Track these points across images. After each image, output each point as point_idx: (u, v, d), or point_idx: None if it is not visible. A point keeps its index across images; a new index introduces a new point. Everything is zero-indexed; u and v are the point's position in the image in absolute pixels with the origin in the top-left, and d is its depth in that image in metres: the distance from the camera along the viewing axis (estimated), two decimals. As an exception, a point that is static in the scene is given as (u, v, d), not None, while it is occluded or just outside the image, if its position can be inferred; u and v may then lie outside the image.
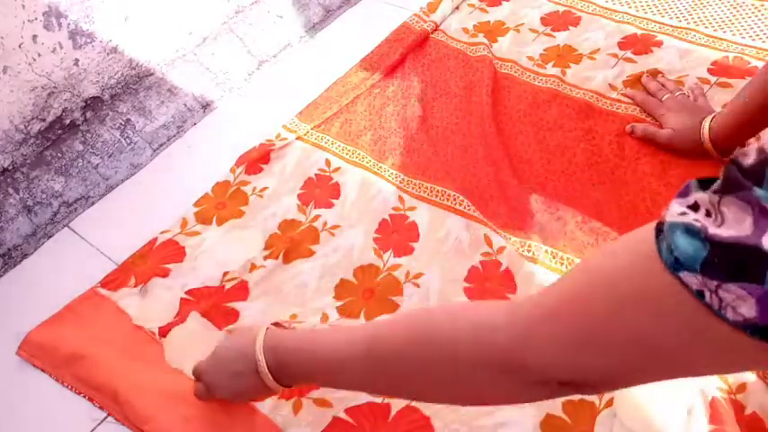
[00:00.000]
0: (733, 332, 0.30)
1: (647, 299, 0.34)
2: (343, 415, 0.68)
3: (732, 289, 0.29)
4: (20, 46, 0.84)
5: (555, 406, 0.66)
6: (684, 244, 0.31)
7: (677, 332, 0.33)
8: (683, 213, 0.32)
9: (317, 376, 0.58)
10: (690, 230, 0.31)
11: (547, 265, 0.77)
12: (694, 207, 0.32)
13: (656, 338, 0.34)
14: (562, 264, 0.77)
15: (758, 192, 0.29)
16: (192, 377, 0.68)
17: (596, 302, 0.37)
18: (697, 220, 0.31)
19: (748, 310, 0.29)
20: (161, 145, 1.02)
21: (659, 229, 0.34)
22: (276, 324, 0.69)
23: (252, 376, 0.60)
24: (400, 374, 0.50)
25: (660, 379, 0.38)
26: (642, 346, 0.35)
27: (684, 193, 0.33)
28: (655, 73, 0.98)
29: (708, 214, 0.31)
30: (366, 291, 0.79)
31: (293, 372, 0.58)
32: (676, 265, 0.32)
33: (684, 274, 0.31)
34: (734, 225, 0.29)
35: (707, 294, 0.31)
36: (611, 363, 0.38)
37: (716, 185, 0.31)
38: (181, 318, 0.78)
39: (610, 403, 0.65)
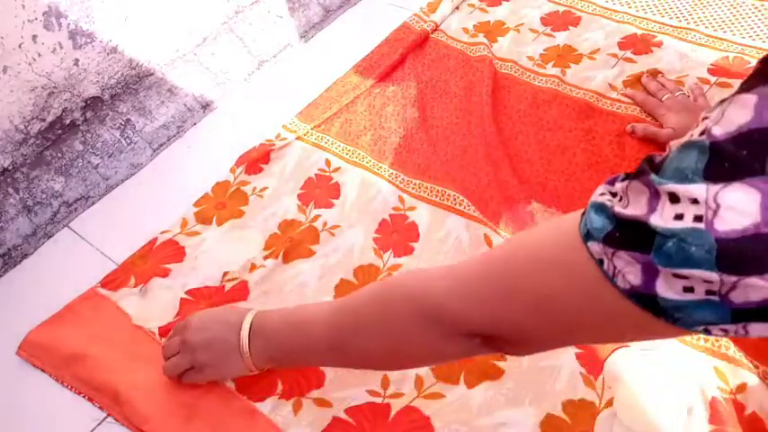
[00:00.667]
0: (621, 299, 0.35)
1: (562, 263, 0.39)
2: (343, 415, 0.68)
3: (623, 256, 0.34)
4: (20, 46, 0.84)
5: (555, 406, 0.66)
6: (595, 218, 0.37)
7: (580, 296, 0.38)
8: (602, 194, 0.38)
9: (285, 348, 0.63)
10: (602, 208, 0.37)
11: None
12: (614, 193, 0.38)
13: (563, 300, 0.39)
14: (562, 264, 0.77)
15: (653, 177, 0.34)
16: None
17: (518, 264, 0.43)
18: (610, 201, 0.37)
19: (635, 277, 0.34)
20: (161, 145, 1.02)
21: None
22: None
23: (234, 345, 0.64)
24: (353, 336, 0.56)
25: (568, 344, 0.46)
26: (551, 306, 0.40)
27: (612, 181, 0.39)
28: (655, 73, 0.98)
29: (619, 199, 0.36)
30: (366, 291, 0.79)
31: (268, 337, 0.64)
32: (587, 236, 0.37)
33: (591, 244, 0.37)
34: (634, 205, 0.35)
35: (605, 262, 0.36)
36: (526, 320, 0.42)
37: (629, 174, 0.37)
38: (182, 319, 0.78)
39: (610, 403, 0.65)
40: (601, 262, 0.36)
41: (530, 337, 0.44)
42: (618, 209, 0.36)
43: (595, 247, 0.36)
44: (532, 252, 0.43)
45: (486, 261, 0.47)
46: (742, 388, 0.65)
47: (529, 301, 0.42)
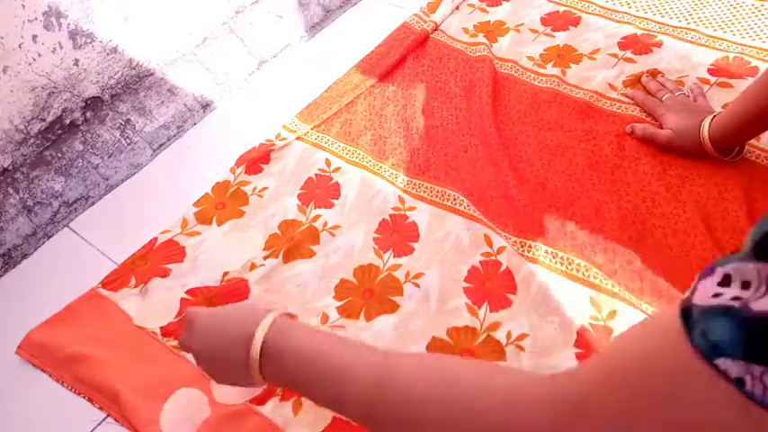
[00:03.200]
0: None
1: (677, 390, 0.31)
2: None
3: None
4: (20, 46, 0.84)
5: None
6: (720, 328, 0.28)
7: (711, 424, 0.30)
8: (717, 295, 0.29)
9: (308, 391, 0.52)
10: (726, 311, 0.28)
11: (547, 265, 0.77)
12: (725, 282, 0.29)
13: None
14: (562, 264, 0.77)
15: None
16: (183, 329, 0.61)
17: (628, 397, 0.34)
18: (736, 298, 0.28)
19: None
20: (161, 145, 1.02)
21: (686, 314, 0.31)
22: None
23: (242, 363, 0.54)
24: (404, 420, 0.45)
25: None
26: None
27: (709, 272, 0.31)
28: (655, 73, 0.98)
29: (745, 286, 0.28)
30: (366, 291, 0.79)
31: (282, 377, 0.53)
32: (712, 352, 0.29)
33: (722, 361, 0.28)
34: None
35: (748, 382, 0.28)
36: None
37: (747, 252, 0.28)
38: (183, 319, 0.78)
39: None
40: (740, 381, 0.28)
41: None
42: (756, 305, 0.27)
43: (730, 365, 0.28)
44: (642, 384, 0.34)
45: (591, 397, 0.37)
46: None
47: None
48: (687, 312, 0.31)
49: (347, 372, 0.48)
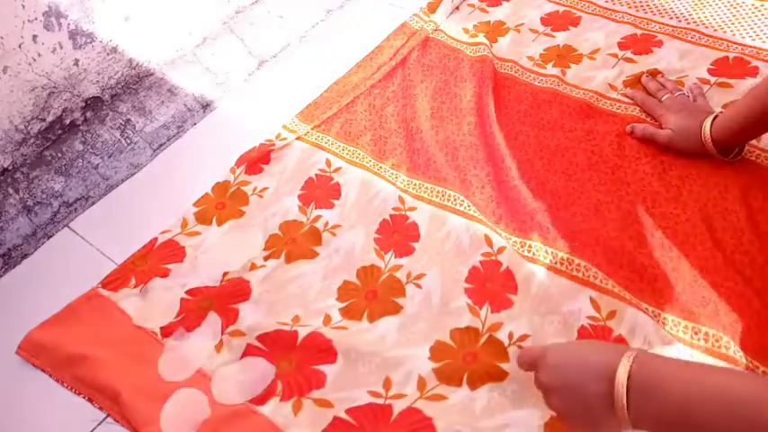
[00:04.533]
0: None
1: None
2: (343, 415, 0.68)
3: None
4: (20, 46, 0.84)
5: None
6: None
7: None
8: None
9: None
10: None
11: (547, 265, 0.77)
12: None
13: None
14: (562, 264, 0.77)
15: None
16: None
17: None
18: None
19: None
20: (161, 145, 1.02)
21: None
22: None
23: (602, 397, 0.47)
24: None
25: None
26: None
27: None
28: (655, 73, 0.98)
29: None
30: (369, 292, 0.79)
31: (656, 417, 0.45)
32: None
33: None
34: None
35: None
36: None
37: None
38: (183, 319, 0.78)
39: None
40: None
41: None
42: None
43: None
44: None
45: None
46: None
47: None
48: None
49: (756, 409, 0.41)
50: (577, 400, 0.49)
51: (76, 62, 0.91)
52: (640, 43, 1.06)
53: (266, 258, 0.84)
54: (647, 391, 0.45)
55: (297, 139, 1.00)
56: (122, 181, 0.98)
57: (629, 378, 0.45)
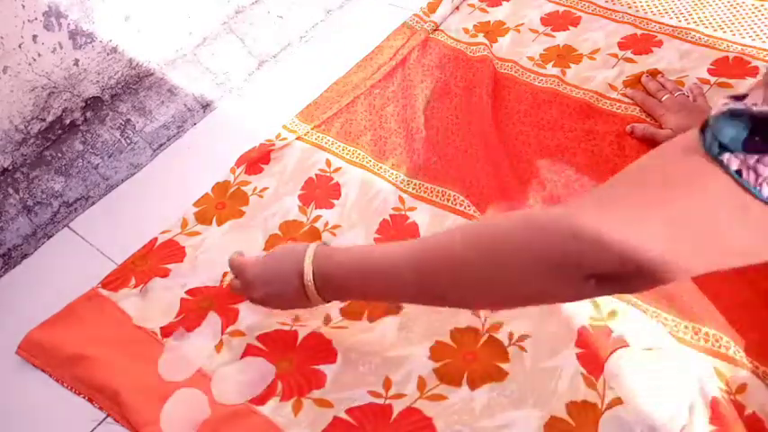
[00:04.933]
0: (765, 209, 0.33)
1: (692, 183, 0.37)
2: (343, 415, 0.68)
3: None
4: (20, 46, 0.84)
5: (559, 408, 0.66)
6: (727, 127, 0.34)
7: (716, 212, 0.36)
8: (726, 103, 0.35)
9: (363, 290, 0.62)
10: (733, 113, 0.34)
11: (547, 265, 0.77)
12: (741, 97, 0.35)
13: (699, 220, 0.37)
14: (563, 264, 0.77)
15: None
16: (230, 272, 0.72)
17: (646, 187, 0.40)
18: (742, 103, 0.34)
19: None
20: (161, 145, 1.02)
21: (703, 128, 0.37)
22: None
23: (295, 282, 0.63)
24: (452, 280, 0.52)
25: (706, 268, 0.40)
26: (686, 227, 0.38)
27: (733, 97, 0.36)
28: (655, 73, 0.98)
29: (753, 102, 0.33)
30: (368, 291, 0.79)
31: (338, 284, 0.62)
32: (720, 149, 0.34)
33: (726, 156, 0.34)
34: None
35: (744, 172, 0.33)
36: (660, 246, 0.39)
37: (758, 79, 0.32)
38: (184, 319, 0.78)
39: (612, 404, 0.65)
40: (739, 173, 0.34)
41: (664, 263, 0.40)
42: (757, 108, 0.33)
43: (732, 159, 0.34)
44: (660, 177, 0.40)
45: (609, 193, 0.43)
46: (742, 388, 0.65)
47: (665, 225, 0.38)
48: (704, 125, 0.37)
49: (390, 260, 0.56)
50: (282, 300, 0.67)
51: (76, 62, 0.91)
52: (640, 43, 1.06)
53: (266, 258, 0.84)
54: (328, 280, 0.62)
55: (297, 139, 1.00)
56: (122, 181, 0.98)
57: (314, 275, 0.62)
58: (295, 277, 0.63)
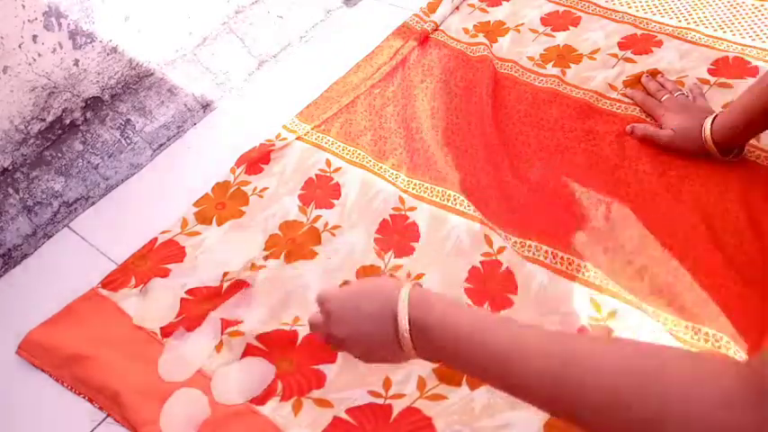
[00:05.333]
0: None
1: None
2: (343, 415, 0.68)
3: None
4: (20, 46, 0.84)
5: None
6: None
7: None
8: None
9: (467, 366, 0.49)
10: None
11: (547, 265, 0.77)
12: None
13: None
14: (563, 264, 0.77)
15: None
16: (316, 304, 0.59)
17: None
18: None
19: None
20: (161, 145, 1.02)
21: None
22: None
23: (387, 326, 0.52)
24: (596, 409, 0.41)
25: None
26: None
27: None
28: (655, 73, 0.98)
29: None
30: (367, 291, 0.79)
31: (438, 345, 0.50)
32: None
33: None
34: None
35: None
36: None
37: None
38: (184, 319, 0.78)
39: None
40: None
41: None
42: None
43: None
44: None
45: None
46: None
47: None
48: None
49: (516, 348, 0.45)
50: (368, 345, 0.54)
51: (76, 62, 0.91)
52: (640, 43, 1.06)
53: (266, 258, 0.84)
54: (425, 332, 0.50)
55: (297, 139, 1.00)
56: (122, 181, 0.98)
57: (410, 321, 0.50)
58: (388, 321, 0.52)
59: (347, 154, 0.97)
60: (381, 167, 0.94)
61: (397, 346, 0.52)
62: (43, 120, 0.90)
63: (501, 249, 0.80)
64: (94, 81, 0.95)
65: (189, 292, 0.81)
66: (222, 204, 0.92)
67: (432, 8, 1.19)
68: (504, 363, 0.46)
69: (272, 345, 0.75)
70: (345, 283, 0.73)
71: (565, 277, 0.76)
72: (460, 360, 0.49)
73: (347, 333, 0.55)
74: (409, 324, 0.50)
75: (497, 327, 0.48)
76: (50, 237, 0.91)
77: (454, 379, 0.69)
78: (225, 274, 0.82)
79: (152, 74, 1.03)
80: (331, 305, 0.56)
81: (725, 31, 1.05)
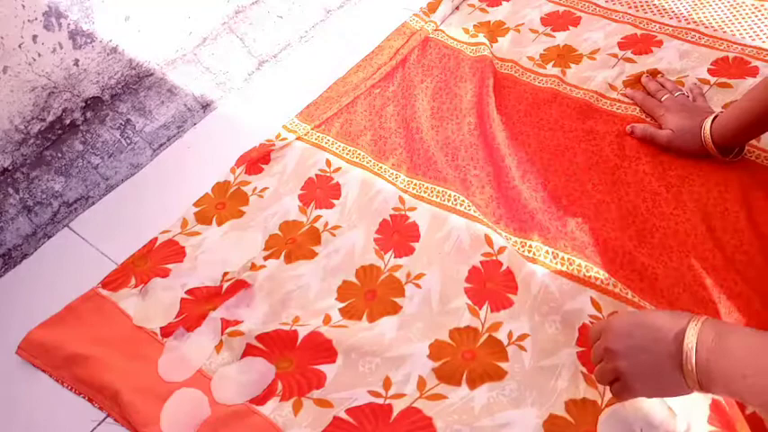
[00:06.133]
0: None
1: None
2: (344, 415, 0.68)
3: None
4: (20, 46, 0.84)
5: (558, 406, 0.66)
6: None
7: None
8: None
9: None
10: None
11: (547, 265, 0.77)
12: None
13: None
14: (563, 264, 0.77)
15: None
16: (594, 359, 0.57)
17: None
18: None
19: None
20: (161, 145, 1.02)
21: None
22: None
23: (672, 360, 0.49)
24: None
25: None
26: None
27: None
28: (655, 73, 0.98)
29: None
30: (368, 292, 0.79)
31: (724, 384, 0.47)
32: None
33: None
34: None
35: None
36: None
37: None
38: (185, 319, 0.78)
39: (612, 402, 0.65)
40: None
41: None
42: None
43: None
44: None
45: None
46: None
47: None
48: None
49: None
50: (646, 360, 0.50)
51: (76, 62, 0.91)
52: (640, 43, 1.06)
53: (266, 258, 0.84)
54: (716, 353, 0.46)
55: (297, 139, 1.00)
56: (122, 181, 0.98)
57: (698, 341, 0.47)
58: (670, 336, 0.50)
59: (347, 154, 0.97)
60: (381, 167, 0.94)
61: (678, 370, 0.49)
62: (43, 120, 0.90)
63: (502, 249, 0.80)
64: (94, 81, 0.95)
65: (189, 292, 0.81)
66: (222, 204, 0.92)
67: (432, 8, 1.19)
68: None
69: (272, 345, 0.75)
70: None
71: (565, 277, 0.76)
72: (747, 394, 0.46)
73: (622, 347, 0.53)
74: (696, 365, 0.48)
75: None
76: (50, 237, 0.91)
77: (454, 378, 0.69)
78: (225, 274, 0.83)
79: (152, 74, 1.03)
80: (615, 320, 0.54)
81: (725, 31, 1.05)
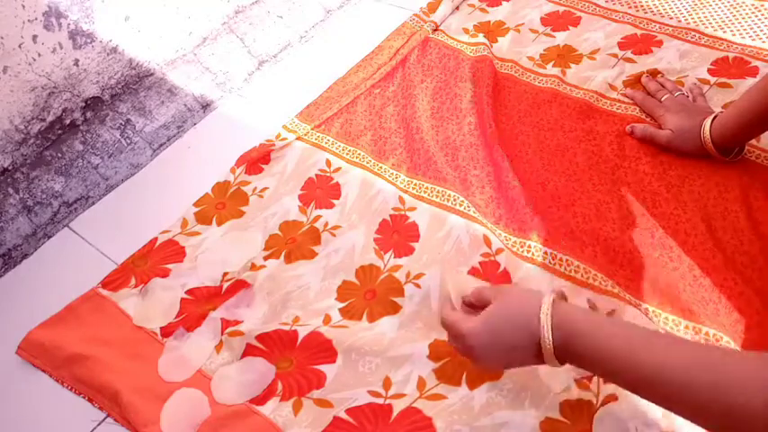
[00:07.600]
0: None
1: None
2: (343, 415, 0.68)
3: None
4: (20, 46, 0.84)
5: (554, 407, 0.66)
6: None
7: None
8: None
9: (611, 378, 0.54)
10: None
11: (545, 266, 0.77)
12: None
13: None
14: (561, 265, 0.77)
15: None
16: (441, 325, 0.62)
17: None
18: None
19: None
20: (161, 145, 1.02)
21: None
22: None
23: (530, 348, 0.55)
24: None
25: None
26: None
27: None
28: (655, 73, 0.98)
29: None
30: (368, 292, 0.79)
31: (579, 361, 0.54)
32: None
33: None
34: None
35: None
36: None
37: None
38: (185, 319, 0.78)
39: (606, 401, 0.65)
40: None
41: None
42: None
43: None
44: None
45: None
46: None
47: None
48: None
49: (660, 372, 0.48)
50: (507, 351, 0.57)
51: (76, 62, 0.91)
52: (640, 43, 1.06)
53: (266, 258, 0.84)
54: (568, 344, 0.53)
55: (297, 139, 1.00)
56: (122, 181, 0.98)
57: (552, 333, 0.54)
58: (529, 345, 0.56)
59: (347, 154, 0.97)
60: (381, 167, 0.94)
61: (538, 353, 0.56)
62: (43, 120, 0.90)
63: (499, 251, 0.80)
64: (94, 81, 0.95)
65: (189, 292, 0.81)
66: (222, 204, 0.92)
67: (432, 8, 1.19)
68: (650, 384, 0.49)
69: (272, 345, 0.75)
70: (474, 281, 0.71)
71: (563, 278, 0.76)
72: (608, 378, 0.54)
73: (491, 361, 0.59)
74: (553, 343, 0.54)
75: (642, 349, 0.49)
76: (50, 237, 0.91)
77: (454, 378, 0.69)
78: (225, 274, 0.83)
79: (152, 74, 1.03)
80: (472, 342, 0.58)
81: (725, 31, 1.05)
